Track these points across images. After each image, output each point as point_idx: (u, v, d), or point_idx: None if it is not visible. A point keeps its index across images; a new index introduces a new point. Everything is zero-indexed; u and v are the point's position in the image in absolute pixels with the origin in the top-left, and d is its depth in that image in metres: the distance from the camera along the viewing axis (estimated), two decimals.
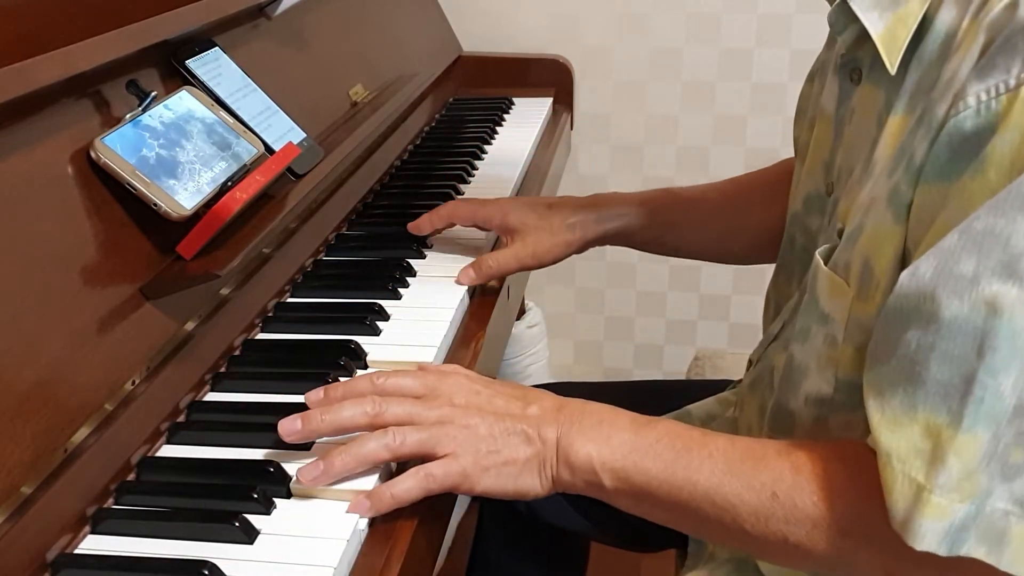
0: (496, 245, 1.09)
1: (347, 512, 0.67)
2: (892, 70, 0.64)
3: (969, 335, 0.55)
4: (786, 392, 0.77)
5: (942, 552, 0.57)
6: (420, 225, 1.07)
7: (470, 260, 1.02)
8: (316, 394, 0.73)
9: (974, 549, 0.57)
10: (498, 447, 0.70)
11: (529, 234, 1.02)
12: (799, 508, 0.63)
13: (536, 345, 1.90)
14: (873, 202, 0.65)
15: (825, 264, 0.70)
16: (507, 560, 1.17)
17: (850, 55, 0.71)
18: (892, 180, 0.63)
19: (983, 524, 0.57)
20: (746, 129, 1.82)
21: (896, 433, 0.58)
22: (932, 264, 0.57)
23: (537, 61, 1.77)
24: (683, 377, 1.41)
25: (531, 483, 0.70)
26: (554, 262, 1.04)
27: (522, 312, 1.87)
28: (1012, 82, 0.55)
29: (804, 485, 0.63)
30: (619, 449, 0.69)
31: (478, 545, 1.19)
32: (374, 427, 0.70)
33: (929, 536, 0.57)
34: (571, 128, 1.77)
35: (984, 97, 0.56)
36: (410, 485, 0.68)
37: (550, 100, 1.70)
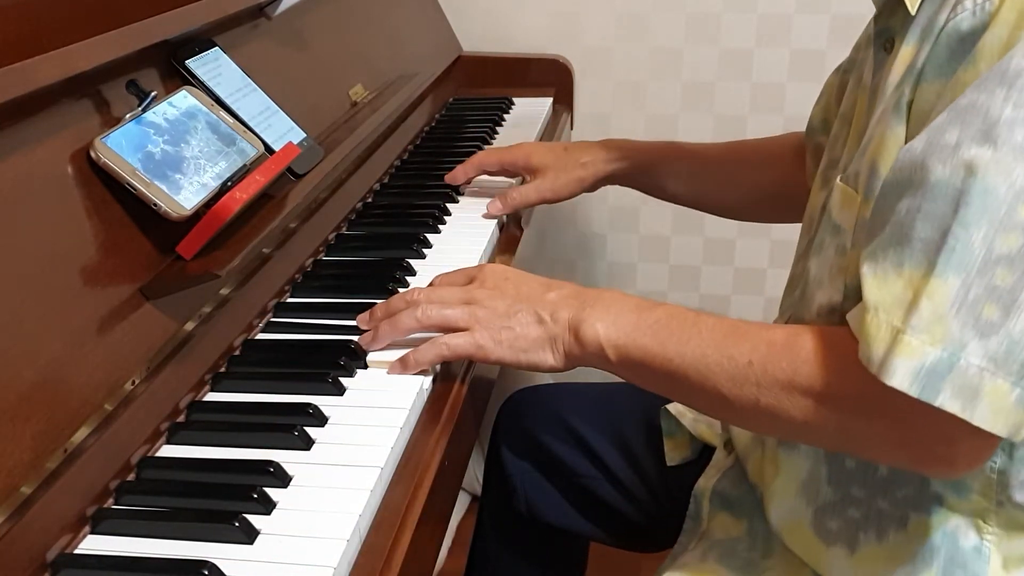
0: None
1: (387, 374, 0.82)
2: (913, 10, 0.70)
3: (948, 195, 0.61)
4: (801, 307, 0.82)
5: (913, 392, 0.61)
6: (455, 175, 1.21)
7: (470, 263, 1.03)
8: (381, 307, 0.87)
9: (949, 403, 0.61)
10: (512, 324, 0.80)
11: (548, 171, 1.17)
12: (769, 373, 0.69)
13: None
14: (882, 114, 0.71)
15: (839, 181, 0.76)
16: (506, 560, 1.17)
17: (883, 23, 0.77)
18: (898, 91, 0.69)
19: (958, 379, 0.60)
20: (746, 129, 1.81)
21: (883, 288, 0.64)
22: (924, 139, 0.64)
23: (537, 61, 1.77)
24: None
25: (543, 356, 0.80)
26: (569, 196, 1.18)
27: None
28: None
29: (776, 353, 0.70)
30: (623, 328, 0.77)
31: (477, 545, 1.19)
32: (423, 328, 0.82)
33: (900, 373, 0.61)
34: (571, 128, 1.77)
35: (980, 0, 0.64)
36: (427, 351, 0.81)
37: (550, 100, 1.70)
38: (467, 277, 0.86)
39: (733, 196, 1.18)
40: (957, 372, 0.60)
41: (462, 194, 1.25)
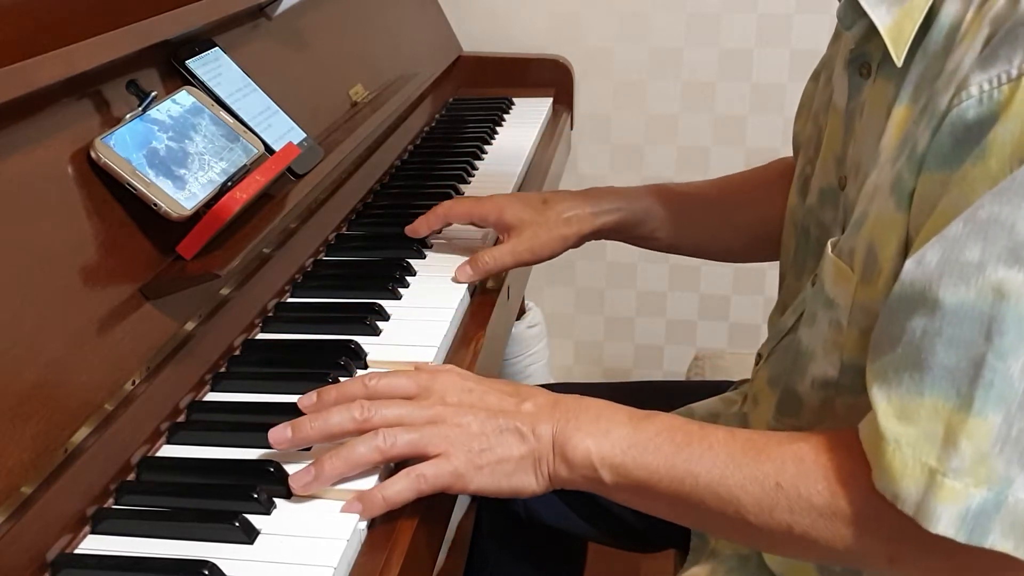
0: (497, 242, 1.09)
1: (341, 512, 0.67)
2: (899, 62, 0.65)
3: (976, 320, 0.56)
4: (794, 376, 0.78)
5: (961, 538, 0.57)
6: (417, 228, 1.06)
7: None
8: (309, 398, 0.73)
9: (1000, 542, 0.56)
10: (491, 445, 0.69)
11: (525, 229, 1.01)
12: (803, 497, 0.63)
13: (536, 345, 1.90)
14: (877, 190, 0.66)
15: (832, 251, 0.71)
16: (505, 561, 1.17)
17: (859, 50, 0.72)
18: (895, 168, 0.64)
19: (1008, 516, 0.56)
20: (746, 129, 1.82)
21: (903, 420, 0.58)
22: (937, 252, 0.58)
23: (537, 61, 1.77)
24: (683, 378, 1.41)
25: (526, 481, 0.70)
26: (551, 257, 1.04)
27: (522, 312, 1.87)
28: (1014, 72, 0.57)
29: (808, 474, 0.63)
30: (618, 444, 0.68)
31: (476, 546, 1.19)
32: (363, 431, 0.69)
33: (945, 520, 0.57)
34: (571, 128, 1.77)
35: (987, 87, 0.58)
36: (401, 487, 0.67)
37: (550, 100, 1.70)
38: (417, 387, 0.72)
39: (733, 238, 1.08)
40: (1006, 510, 0.56)
41: (463, 194, 1.25)
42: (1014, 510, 0.56)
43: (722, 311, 1.96)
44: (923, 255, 0.59)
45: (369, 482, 0.69)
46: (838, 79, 0.78)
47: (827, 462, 0.63)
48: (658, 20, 1.77)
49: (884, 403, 0.60)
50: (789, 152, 1.12)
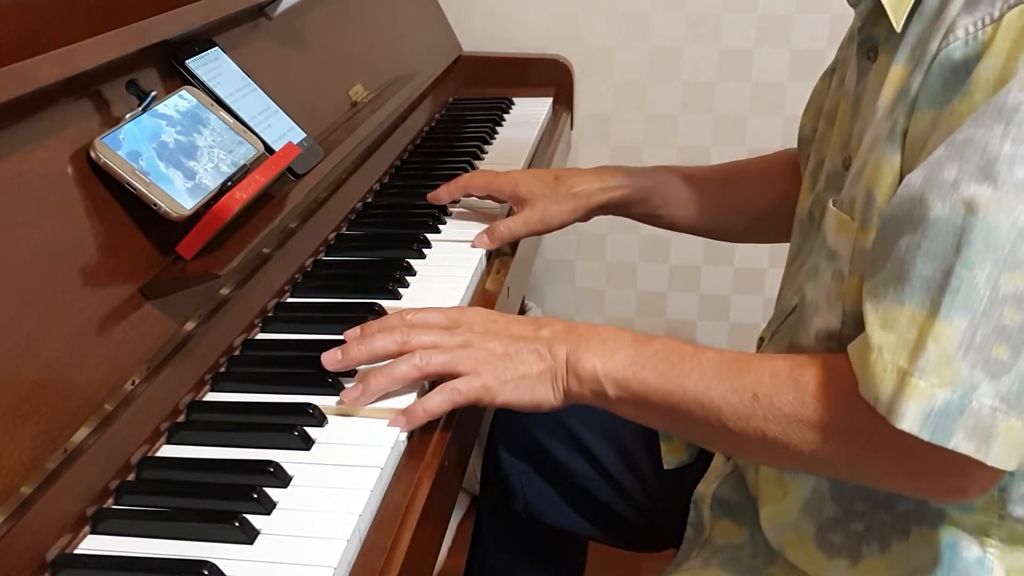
0: (509, 213, 1.14)
1: (388, 426, 0.76)
2: (898, 28, 0.69)
3: (950, 233, 0.60)
4: (798, 331, 0.81)
5: (924, 435, 0.60)
6: (439, 195, 1.15)
7: (471, 263, 1.03)
8: (353, 331, 0.82)
9: (963, 445, 0.60)
10: (514, 363, 0.78)
11: (537, 202, 1.10)
12: (776, 407, 0.69)
13: None
14: (875, 140, 0.70)
15: (833, 206, 0.75)
16: (506, 560, 1.17)
17: (866, 32, 0.76)
18: (892, 118, 0.68)
19: (971, 420, 0.60)
20: (746, 129, 1.82)
21: (886, 328, 0.63)
22: (922, 174, 0.63)
23: (537, 61, 1.77)
24: None
25: (545, 394, 0.78)
26: (560, 227, 1.12)
27: (522, 312, 1.88)
28: (996, 13, 0.62)
29: (782, 386, 0.69)
30: (621, 362, 0.76)
31: (477, 545, 1.19)
32: (403, 353, 0.79)
33: (910, 417, 0.61)
34: (571, 128, 1.77)
35: (972, 29, 0.63)
36: (439, 399, 0.77)
37: (550, 100, 1.70)
38: (449, 320, 0.82)
39: (732, 220, 1.14)
40: (969, 413, 0.60)
41: (456, 204, 1.25)
42: (978, 415, 0.60)
43: (722, 311, 1.96)
44: (910, 178, 0.64)
45: (405, 400, 0.78)
46: (850, 63, 0.81)
47: (799, 376, 0.69)
48: (658, 20, 1.77)
49: (872, 315, 0.65)
50: None
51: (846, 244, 0.73)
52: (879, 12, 0.72)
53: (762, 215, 1.10)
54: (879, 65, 0.74)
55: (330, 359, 0.80)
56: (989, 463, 0.60)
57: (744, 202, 1.12)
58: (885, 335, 0.63)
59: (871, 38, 0.75)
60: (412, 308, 0.84)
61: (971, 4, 0.63)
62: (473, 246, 1.08)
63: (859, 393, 0.64)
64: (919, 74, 0.66)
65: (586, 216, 1.13)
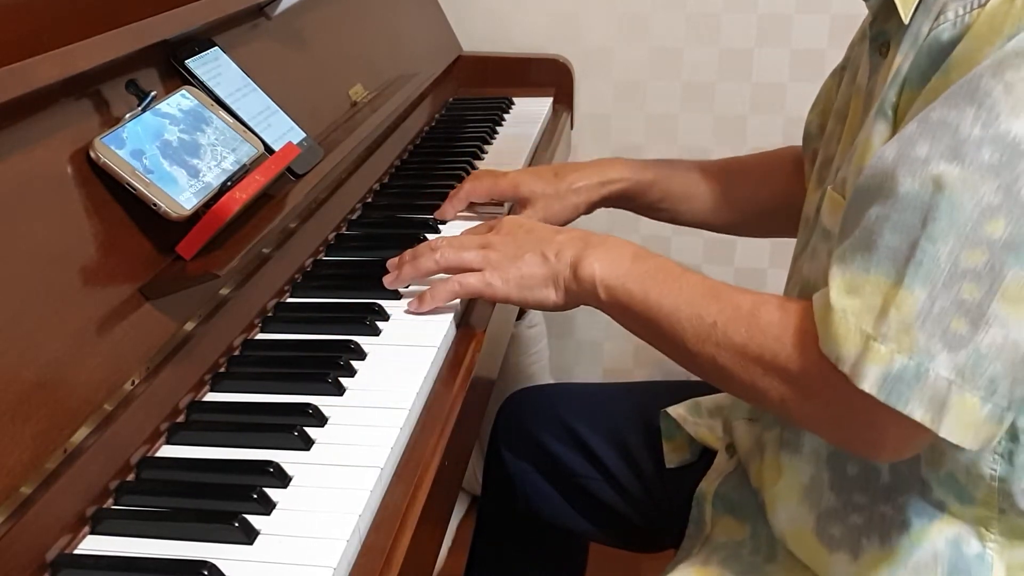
0: (511, 212, 1.16)
1: (405, 311, 0.91)
2: (906, 20, 0.71)
3: (918, 208, 0.63)
4: None
5: (881, 397, 0.64)
6: (444, 212, 1.16)
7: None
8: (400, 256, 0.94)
9: (917, 412, 0.63)
10: (520, 264, 0.87)
11: (539, 201, 1.13)
12: (728, 336, 0.74)
13: (536, 345, 1.90)
14: (867, 121, 0.73)
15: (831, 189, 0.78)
16: (506, 560, 1.17)
17: (879, 28, 0.77)
18: (883, 94, 0.71)
19: (927, 390, 0.63)
20: (746, 129, 1.81)
21: (852, 293, 0.66)
22: (894, 149, 0.66)
23: (537, 61, 1.77)
24: (684, 377, 1.40)
25: (547, 293, 0.87)
26: (563, 224, 1.13)
27: (522, 312, 1.87)
28: None
29: (738, 319, 0.74)
30: (616, 271, 0.83)
31: (477, 545, 1.19)
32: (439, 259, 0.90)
33: (870, 379, 0.64)
34: (571, 128, 1.77)
35: (960, 12, 0.66)
36: (443, 288, 0.89)
37: (550, 100, 1.69)
38: (487, 227, 0.93)
39: (732, 213, 1.14)
40: (926, 383, 0.63)
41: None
42: (934, 385, 0.63)
43: None
44: (884, 151, 0.67)
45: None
46: (862, 60, 0.82)
47: (758, 312, 0.73)
48: (658, 20, 1.77)
49: (838, 279, 0.67)
50: None
51: (839, 223, 0.74)
52: (890, 7, 0.73)
53: (763, 209, 1.12)
54: (890, 60, 0.75)
55: (389, 279, 0.94)
56: (941, 434, 0.63)
57: (745, 196, 1.13)
58: (850, 299, 0.66)
59: (883, 33, 0.76)
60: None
61: None
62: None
63: (808, 340, 0.68)
64: (911, 54, 0.70)
65: (588, 210, 1.16)
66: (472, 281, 0.88)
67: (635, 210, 1.17)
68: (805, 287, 0.82)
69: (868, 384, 0.64)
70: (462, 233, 0.95)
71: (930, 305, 0.62)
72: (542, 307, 0.88)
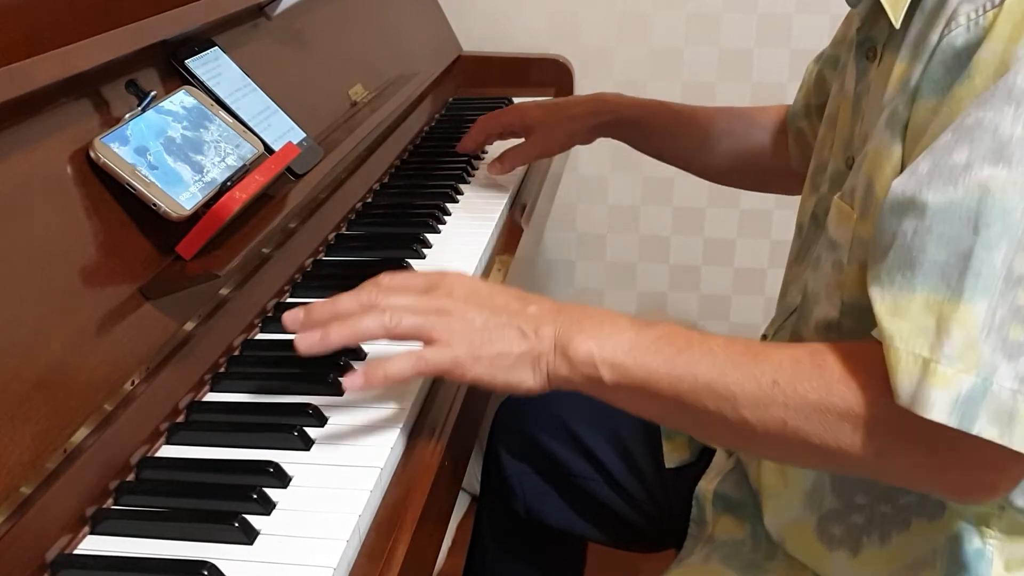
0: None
1: (343, 386, 0.72)
2: (897, 24, 0.69)
3: (964, 216, 0.59)
4: (799, 323, 0.81)
5: (953, 423, 0.59)
6: (465, 144, 1.31)
7: (470, 263, 1.03)
8: (324, 301, 0.76)
9: (986, 429, 0.58)
10: (492, 339, 0.72)
11: (540, 128, 1.24)
12: (799, 393, 0.64)
13: None
14: (874, 132, 0.70)
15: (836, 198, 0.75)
16: (505, 561, 1.17)
17: (865, 33, 0.76)
18: (891, 107, 0.68)
19: (992, 403, 0.58)
20: None
21: (897, 316, 0.61)
22: (928, 161, 0.62)
23: (537, 61, 1.77)
24: None
25: (523, 376, 0.72)
26: (563, 149, 1.30)
27: None
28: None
29: (804, 372, 0.65)
30: (620, 346, 0.70)
31: (477, 545, 1.19)
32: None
33: (939, 405, 0.59)
34: None
35: (973, 15, 0.63)
36: (403, 365, 0.71)
37: None
38: (428, 283, 0.75)
39: (713, 158, 1.19)
40: (991, 397, 0.59)
41: (462, 194, 1.25)
42: (998, 397, 0.58)
43: (722, 311, 1.96)
44: (915, 166, 0.62)
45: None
46: (848, 66, 0.81)
47: (822, 363, 0.65)
48: (658, 20, 1.77)
49: (879, 303, 0.62)
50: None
51: (845, 233, 0.73)
52: (878, 11, 0.72)
53: (743, 161, 1.17)
54: (883, 65, 0.74)
55: (291, 317, 0.74)
56: (1014, 447, 0.59)
57: (729, 144, 1.18)
58: (896, 323, 0.61)
59: (870, 38, 0.75)
60: (391, 273, 0.78)
61: None
62: (488, 171, 1.26)
63: (887, 380, 0.61)
64: (919, 64, 0.66)
65: (585, 138, 1.24)
66: (438, 359, 0.71)
67: (626, 141, 1.24)
68: (808, 299, 0.79)
69: (936, 411, 0.59)
70: (394, 284, 0.76)
71: (992, 316, 0.59)
72: (514, 391, 0.73)
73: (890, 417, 0.62)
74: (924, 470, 0.65)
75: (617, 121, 1.21)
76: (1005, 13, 0.61)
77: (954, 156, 0.60)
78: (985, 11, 0.62)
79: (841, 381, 0.64)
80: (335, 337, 0.72)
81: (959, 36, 0.63)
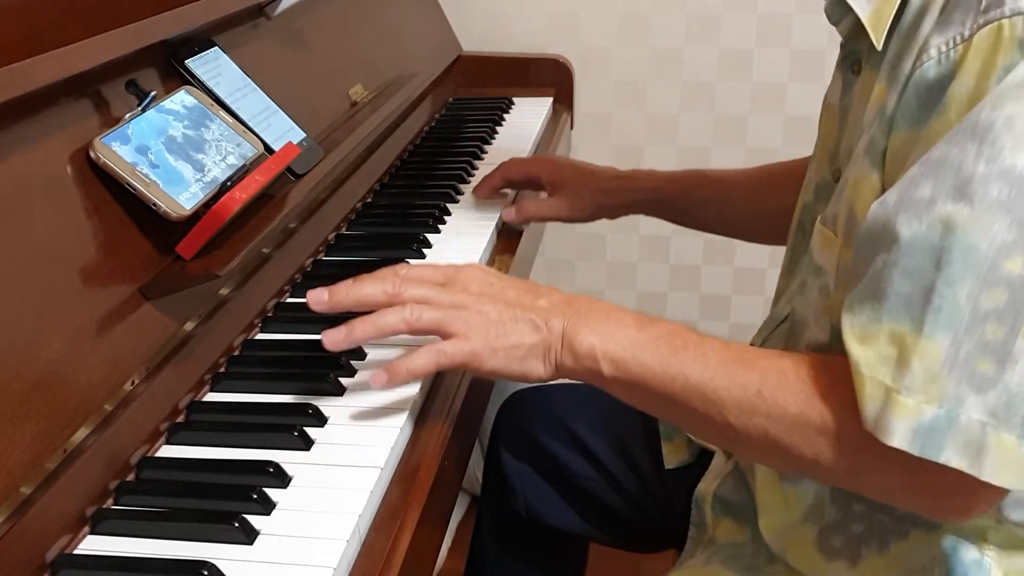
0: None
1: (369, 383, 0.76)
2: (878, 46, 0.69)
3: (928, 251, 0.60)
4: (791, 345, 0.81)
5: (914, 451, 0.61)
6: (481, 190, 1.20)
7: (468, 262, 1.03)
8: (345, 281, 0.78)
9: (954, 459, 0.60)
10: (506, 332, 0.75)
11: (568, 189, 1.14)
12: (781, 406, 0.67)
13: None
14: (855, 158, 0.70)
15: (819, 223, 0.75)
16: (505, 561, 1.17)
17: (850, 47, 0.76)
18: (869, 135, 0.68)
19: (961, 436, 0.60)
20: (746, 129, 1.81)
21: (864, 344, 0.63)
22: (896, 192, 0.63)
23: (537, 61, 1.77)
24: None
25: (535, 366, 0.76)
26: (586, 220, 1.16)
27: None
28: (966, 33, 0.62)
29: (787, 385, 0.67)
30: (621, 342, 0.73)
31: (476, 546, 1.19)
32: (393, 304, 0.76)
33: (900, 433, 0.61)
34: (571, 128, 1.77)
35: (944, 48, 0.63)
36: (424, 360, 0.75)
37: (550, 100, 1.69)
38: (444, 276, 0.79)
39: (761, 222, 1.13)
40: (959, 428, 0.60)
41: (462, 194, 1.25)
42: (967, 429, 0.60)
43: (722, 311, 1.96)
44: (885, 197, 0.64)
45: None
46: (834, 78, 0.81)
47: (806, 377, 0.67)
48: (658, 20, 1.77)
49: (848, 330, 0.64)
50: (789, 152, 1.12)
51: (830, 260, 0.73)
52: (860, 28, 0.71)
53: (787, 219, 1.06)
54: (864, 79, 0.74)
55: (316, 298, 0.77)
56: (983, 478, 0.60)
57: (767, 208, 1.11)
58: (863, 350, 0.63)
59: (854, 52, 0.75)
60: (404, 264, 0.81)
61: (943, 23, 0.63)
62: (502, 219, 1.15)
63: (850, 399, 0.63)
64: (894, 93, 0.66)
65: (613, 214, 1.16)
66: (457, 351, 0.74)
67: (664, 218, 1.17)
68: (798, 322, 0.80)
69: (898, 439, 0.61)
70: (412, 275, 0.79)
71: (955, 352, 0.60)
72: (526, 380, 0.77)
73: (865, 438, 0.63)
74: (898, 491, 0.67)
75: (655, 200, 1.14)
76: (974, 48, 0.61)
77: (920, 190, 0.61)
78: (956, 44, 0.62)
79: (821, 397, 0.66)
80: (359, 334, 0.76)
81: (930, 69, 0.63)
